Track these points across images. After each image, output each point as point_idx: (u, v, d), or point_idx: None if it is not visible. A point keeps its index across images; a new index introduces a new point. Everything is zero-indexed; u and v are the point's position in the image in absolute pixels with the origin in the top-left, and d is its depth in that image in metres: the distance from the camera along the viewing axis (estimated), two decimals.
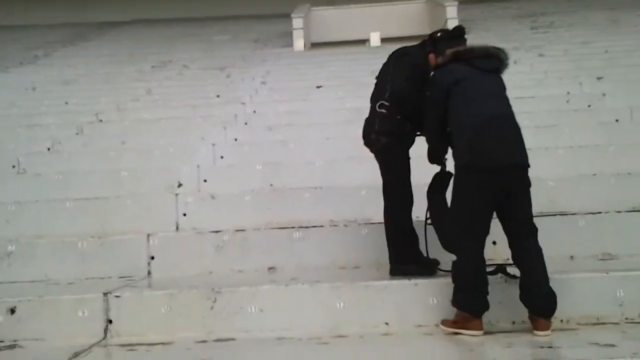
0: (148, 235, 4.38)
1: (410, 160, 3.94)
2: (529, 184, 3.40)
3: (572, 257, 4.24)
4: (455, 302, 3.34)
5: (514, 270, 3.47)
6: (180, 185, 5.57)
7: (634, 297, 3.43)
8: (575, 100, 7.17)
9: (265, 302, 3.49)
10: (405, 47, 4.10)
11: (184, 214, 4.92)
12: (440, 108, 3.51)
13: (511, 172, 3.31)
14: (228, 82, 10.35)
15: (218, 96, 9.12)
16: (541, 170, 5.18)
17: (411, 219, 3.92)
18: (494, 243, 4.09)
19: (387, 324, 3.47)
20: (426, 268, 3.82)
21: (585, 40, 10.68)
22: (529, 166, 3.40)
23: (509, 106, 3.47)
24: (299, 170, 5.65)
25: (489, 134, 3.29)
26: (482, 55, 3.52)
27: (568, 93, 7.47)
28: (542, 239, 4.12)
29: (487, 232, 3.39)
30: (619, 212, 4.45)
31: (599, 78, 7.99)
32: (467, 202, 3.32)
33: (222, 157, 6.26)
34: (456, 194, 3.41)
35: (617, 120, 6.45)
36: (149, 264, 4.32)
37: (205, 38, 15.73)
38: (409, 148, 3.97)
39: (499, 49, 3.58)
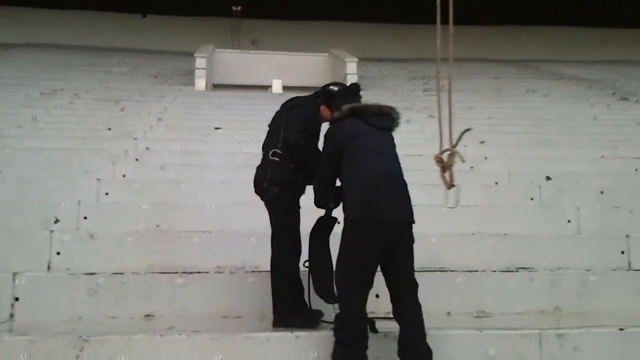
0: (14, 274, 4.03)
1: (300, 210, 3.95)
2: (412, 240, 3.51)
3: (449, 313, 4.38)
4: (334, 356, 3.32)
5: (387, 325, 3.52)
6: (57, 221, 5.22)
7: (505, 355, 3.59)
8: (458, 162, 7.55)
9: (137, 353, 3.30)
10: (298, 98, 4.16)
11: (58, 253, 4.60)
12: (334, 162, 3.57)
13: (398, 228, 3.41)
14: (122, 115, 10.01)
15: (110, 129, 8.78)
16: (425, 227, 5.38)
17: (299, 269, 3.90)
18: (377, 296, 4.16)
19: None
20: (310, 320, 3.80)
21: (472, 106, 11.40)
22: (414, 222, 3.51)
23: (399, 164, 3.59)
24: (189, 213, 5.50)
25: (378, 190, 3.37)
26: (376, 113, 3.64)
27: None
28: (422, 294, 4.24)
29: (370, 286, 3.44)
30: (494, 271, 4.68)
31: (482, 142, 8.52)
32: (354, 255, 3.36)
33: (107, 193, 5.97)
34: (344, 247, 3.44)
35: (496, 183, 6.86)
36: (12, 305, 3.96)
37: (102, 69, 15.22)
38: (299, 197, 3.98)
39: (391, 108, 3.71)
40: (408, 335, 3.36)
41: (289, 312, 3.79)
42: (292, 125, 3.86)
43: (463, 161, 3.29)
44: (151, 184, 6.23)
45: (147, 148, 7.81)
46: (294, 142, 3.81)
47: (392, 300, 3.49)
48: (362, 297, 3.38)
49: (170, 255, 4.74)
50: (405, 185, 3.54)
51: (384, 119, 3.66)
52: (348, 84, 4.10)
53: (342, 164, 3.54)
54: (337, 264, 3.50)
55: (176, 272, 4.33)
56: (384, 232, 3.33)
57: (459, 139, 3.31)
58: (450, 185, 3.36)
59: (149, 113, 10.02)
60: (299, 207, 3.95)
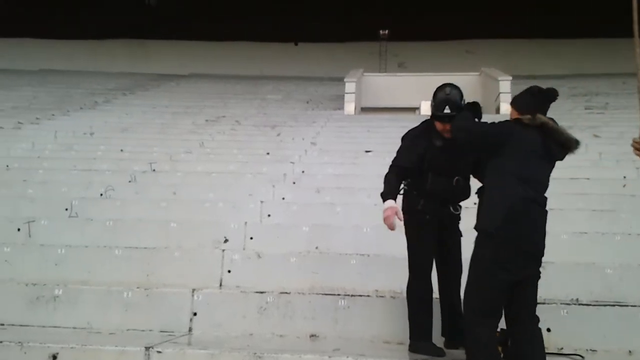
0: (193, 290, 4.35)
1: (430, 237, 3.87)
2: (540, 273, 3.33)
3: (630, 352, 4.00)
4: None
5: None
6: (226, 240, 5.57)
7: None
8: (632, 185, 6.96)
9: None
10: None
11: (229, 271, 4.89)
12: (486, 137, 3.41)
13: (534, 259, 3.26)
14: (278, 140, 10.51)
15: (268, 154, 9.25)
16: (597, 256, 5.02)
17: (422, 295, 3.85)
18: (549, 330, 3.94)
19: None
20: (434, 348, 3.73)
21: None
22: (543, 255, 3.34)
23: (545, 195, 3.37)
24: (346, 235, 5.59)
25: (521, 218, 3.18)
26: (561, 143, 3.34)
27: (625, 177, 7.28)
28: (598, 329, 4.00)
29: (500, 314, 3.27)
30: None
31: None
32: (487, 278, 3.18)
33: (269, 215, 6.27)
34: (476, 266, 3.26)
35: None
36: (191, 320, 4.27)
37: (258, 96, 16.14)
38: (426, 226, 3.86)
39: (577, 143, 3.38)
40: None
41: (413, 337, 3.80)
42: (399, 152, 4.05)
43: None
44: (309, 206, 6.44)
45: (303, 171, 8.12)
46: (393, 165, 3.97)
47: (510, 333, 3.33)
48: (492, 327, 3.23)
49: (330, 277, 4.84)
50: (545, 216, 3.33)
51: (564, 152, 3.37)
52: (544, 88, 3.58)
53: (498, 163, 3.31)
54: (467, 286, 3.33)
55: (338, 294, 4.41)
56: (519, 261, 3.18)
57: None
58: None
59: (303, 137, 10.42)
60: (427, 235, 3.86)
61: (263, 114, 13.22)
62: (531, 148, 3.27)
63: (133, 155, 9.01)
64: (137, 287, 4.45)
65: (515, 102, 3.51)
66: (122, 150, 9.35)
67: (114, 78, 19.50)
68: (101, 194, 6.95)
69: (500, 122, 3.47)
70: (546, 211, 3.33)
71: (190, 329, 4.24)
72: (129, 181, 7.52)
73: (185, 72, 21.49)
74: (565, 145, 3.34)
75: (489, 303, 3.20)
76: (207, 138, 10.38)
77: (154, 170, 8.06)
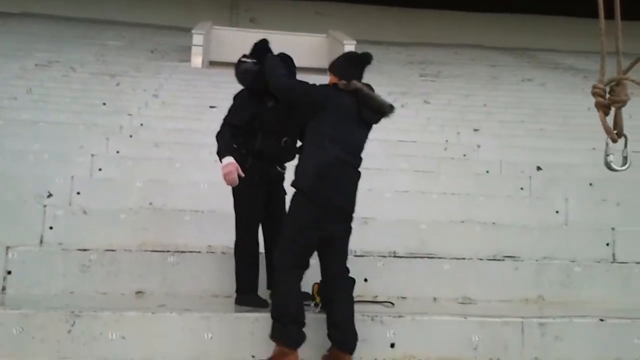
0: (7, 248, 4.07)
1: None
2: (351, 230, 3.56)
3: (435, 299, 4.47)
4: (272, 335, 3.33)
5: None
6: (50, 195, 5.24)
7: (487, 342, 3.68)
8: (452, 149, 7.62)
9: (129, 329, 3.36)
10: None
11: (51, 228, 4.63)
12: (309, 97, 3.54)
13: (343, 217, 3.48)
14: (117, 90, 9.96)
15: (104, 104, 8.74)
16: (415, 213, 5.48)
17: (252, 251, 3.97)
18: (365, 280, 4.26)
19: (253, 357, 3.46)
20: (259, 300, 3.89)
21: (468, 93, 11.42)
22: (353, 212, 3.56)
23: (360, 157, 3.59)
24: (183, 191, 5.53)
25: (331, 177, 3.38)
26: (374, 109, 3.54)
27: (447, 141, 7.93)
28: (409, 279, 4.38)
29: (307, 265, 3.49)
30: (481, 259, 4.77)
31: (475, 130, 8.57)
32: (298, 233, 3.38)
33: (100, 169, 5.99)
34: (289, 221, 3.47)
35: (487, 172, 6.92)
36: (4, 279, 4.01)
37: (98, 42, 15.06)
38: (254, 185, 3.93)
39: (392, 108, 3.60)
40: (337, 319, 3.42)
41: (240, 290, 3.93)
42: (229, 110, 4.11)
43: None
44: (145, 161, 6.25)
45: (142, 124, 7.80)
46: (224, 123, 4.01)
47: (324, 284, 3.59)
48: (298, 272, 3.44)
49: (162, 234, 4.78)
50: (356, 177, 3.55)
51: (376, 116, 3.59)
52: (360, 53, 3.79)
53: (311, 124, 3.50)
54: (281, 233, 3.53)
55: (168, 251, 4.38)
56: (325, 215, 3.38)
57: (635, 63, 2.30)
58: (617, 134, 2.29)
59: (145, 89, 9.97)
60: (255, 193, 3.94)
61: (102, 62, 12.40)
62: (346, 112, 3.47)
63: None
64: None
65: (332, 68, 3.70)
66: None
67: None
68: None
69: (320, 85, 3.62)
70: (359, 172, 3.54)
71: (3, 289, 3.98)
72: None
73: (17, 10, 19.39)
74: (378, 110, 3.56)
75: (299, 256, 3.40)
76: (36, 84, 9.54)
77: None
